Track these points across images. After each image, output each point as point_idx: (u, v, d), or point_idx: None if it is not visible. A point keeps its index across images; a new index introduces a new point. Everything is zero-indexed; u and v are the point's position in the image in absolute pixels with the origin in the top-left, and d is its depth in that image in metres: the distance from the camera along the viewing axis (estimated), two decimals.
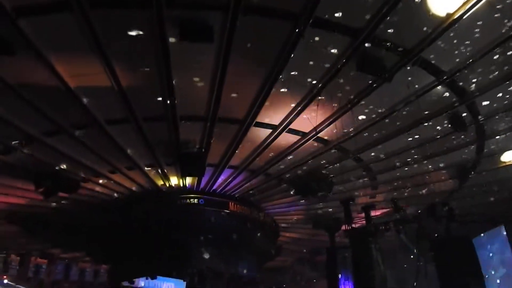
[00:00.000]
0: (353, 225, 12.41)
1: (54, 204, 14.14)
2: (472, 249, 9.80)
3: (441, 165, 12.59)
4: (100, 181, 13.05)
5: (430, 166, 12.63)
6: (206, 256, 14.05)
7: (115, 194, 14.20)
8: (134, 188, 13.86)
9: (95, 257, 17.84)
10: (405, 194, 14.03)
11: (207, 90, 8.29)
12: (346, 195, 13.31)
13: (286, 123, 9.76)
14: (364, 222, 12.66)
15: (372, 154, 11.79)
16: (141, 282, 17.45)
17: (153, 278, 16.67)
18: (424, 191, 14.34)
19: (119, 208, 14.44)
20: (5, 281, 22.69)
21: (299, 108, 9.08)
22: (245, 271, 15.78)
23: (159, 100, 8.47)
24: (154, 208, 14.00)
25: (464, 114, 9.54)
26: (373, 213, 12.96)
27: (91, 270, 22.43)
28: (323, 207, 14.95)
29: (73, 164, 11.57)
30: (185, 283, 19.33)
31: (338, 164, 12.36)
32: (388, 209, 13.26)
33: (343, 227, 12.92)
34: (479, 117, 9.66)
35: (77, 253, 19.25)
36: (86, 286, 22.69)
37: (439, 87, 8.59)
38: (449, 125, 9.75)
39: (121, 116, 9.11)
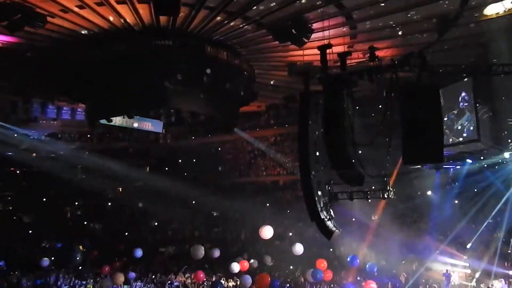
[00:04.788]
0: (328, 72, 12.62)
1: (24, 40, 13.60)
2: (438, 98, 10.33)
3: (423, 15, 12.42)
4: (69, 17, 12.41)
5: (411, 16, 12.45)
6: (182, 97, 14.32)
7: (86, 32, 13.66)
8: (106, 27, 13.30)
9: (72, 95, 17.89)
10: (383, 43, 14.07)
11: None
12: (324, 42, 13.23)
13: None
14: (339, 70, 12.86)
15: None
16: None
17: (131, 117, 17.12)
18: (401, 41, 14.40)
19: (93, 47, 14.06)
20: None
21: None
22: (220, 113, 16.35)
23: None
24: (128, 47, 13.71)
25: None
26: (348, 62, 13.10)
27: (68, 109, 22.73)
28: (300, 54, 14.92)
29: None
30: (162, 123, 20.12)
31: (320, 10, 12.03)
32: (363, 58, 13.38)
33: (318, 74, 13.13)
34: None
35: (53, 91, 19.21)
36: (65, 124, 23.32)
37: None
38: None
39: None
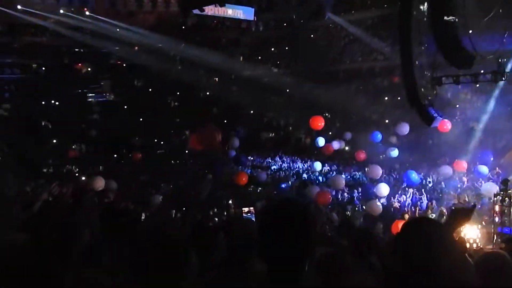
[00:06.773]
0: None
1: None
2: None
3: None
4: None
5: None
6: None
7: None
8: None
9: None
10: None
11: None
12: None
13: None
14: None
15: None
16: None
17: (222, 5, 16.86)
18: None
19: None
20: (87, 13, 24.29)
21: None
22: None
23: None
24: None
25: None
26: None
27: (162, 1, 23.02)
28: None
29: None
30: (253, 10, 19.65)
31: None
32: None
33: None
34: None
35: None
36: (160, 16, 23.85)
37: None
38: None
39: None
